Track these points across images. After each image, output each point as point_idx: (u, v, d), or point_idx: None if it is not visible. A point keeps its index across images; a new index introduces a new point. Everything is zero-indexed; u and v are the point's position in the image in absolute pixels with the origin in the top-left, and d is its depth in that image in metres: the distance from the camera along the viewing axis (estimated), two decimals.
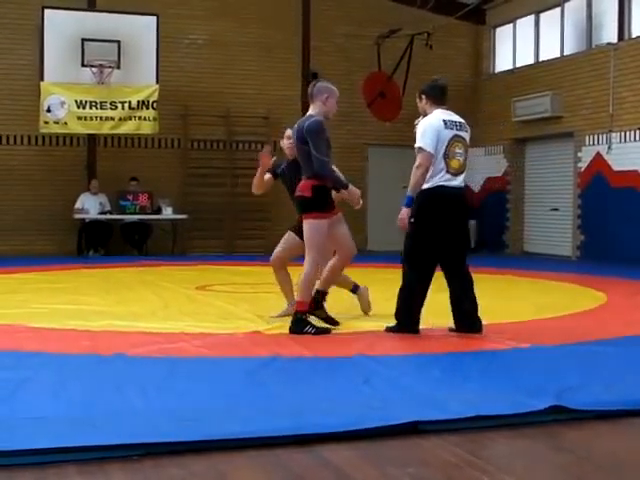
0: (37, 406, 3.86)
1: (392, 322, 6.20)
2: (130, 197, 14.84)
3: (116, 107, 14.26)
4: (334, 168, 6.21)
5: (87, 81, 14.11)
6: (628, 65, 13.81)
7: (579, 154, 14.90)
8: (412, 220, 6.07)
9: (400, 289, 6.20)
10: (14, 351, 5.31)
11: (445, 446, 3.45)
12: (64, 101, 14.01)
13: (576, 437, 3.66)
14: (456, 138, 6.09)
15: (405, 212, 5.97)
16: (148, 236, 15.11)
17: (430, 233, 6.05)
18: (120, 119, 14.36)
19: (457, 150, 6.09)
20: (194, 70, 15.85)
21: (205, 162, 15.99)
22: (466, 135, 6.20)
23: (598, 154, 14.40)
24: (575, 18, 15.47)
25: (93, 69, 14.08)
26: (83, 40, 14.09)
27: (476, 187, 17.58)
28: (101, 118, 14.28)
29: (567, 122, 15.13)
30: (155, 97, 14.39)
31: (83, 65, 14.10)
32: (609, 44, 14.21)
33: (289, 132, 6.75)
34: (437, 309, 6.38)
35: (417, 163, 6.00)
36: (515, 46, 17.11)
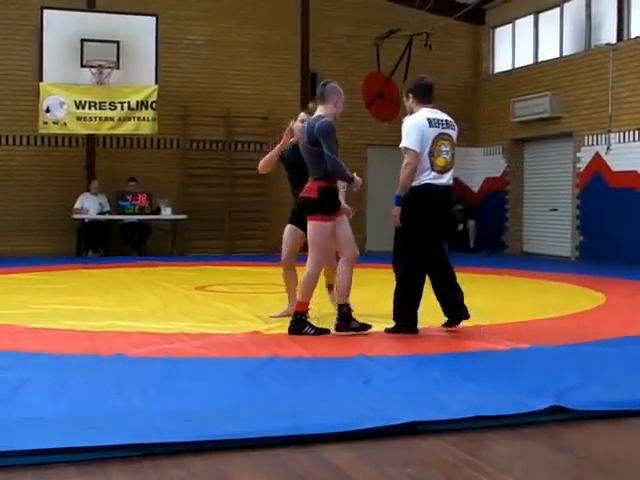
0: (37, 406, 3.86)
1: (391, 323, 6.22)
2: (129, 197, 14.84)
3: (115, 107, 14.26)
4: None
5: (86, 81, 14.10)
6: (627, 65, 13.82)
7: (578, 154, 14.90)
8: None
9: (395, 290, 6.22)
10: (14, 351, 5.31)
11: (445, 446, 3.45)
12: (63, 101, 14.01)
13: (575, 437, 3.66)
14: (442, 136, 6.14)
15: (397, 210, 6.06)
16: (147, 236, 15.10)
17: (419, 231, 6.10)
18: (119, 119, 14.35)
19: (443, 148, 6.14)
20: (193, 70, 15.85)
21: (204, 162, 15.98)
22: (453, 133, 6.24)
23: (597, 154, 14.40)
24: (574, 18, 15.47)
25: (92, 69, 14.08)
26: (82, 40, 14.08)
27: (475, 187, 17.60)
28: (100, 118, 14.27)
29: (566, 122, 15.14)
30: (154, 97, 14.39)
31: (82, 65, 14.10)
32: (608, 44, 14.21)
33: (303, 115, 6.77)
34: (431, 308, 6.40)
35: (405, 162, 6.07)
36: (514, 46, 17.11)
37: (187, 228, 15.54)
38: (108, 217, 14.77)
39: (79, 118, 14.16)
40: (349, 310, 6.09)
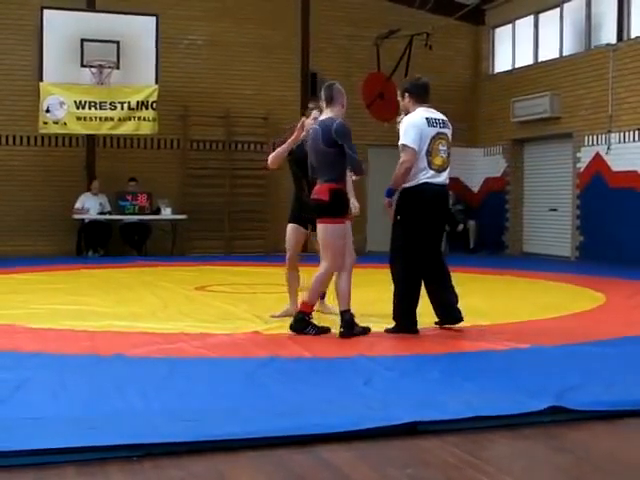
0: (36, 406, 3.86)
1: (391, 323, 6.22)
2: (129, 197, 14.83)
3: (115, 107, 14.25)
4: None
5: (86, 81, 14.09)
6: (627, 66, 13.82)
7: (578, 155, 14.90)
8: (399, 218, 6.14)
9: (395, 291, 6.22)
10: (13, 351, 5.31)
11: (444, 447, 3.45)
12: (63, 101, 14.00)
13: (575, 437, 3.66)
14: (439, 135, 6.21)
15: (387, 202, 6.16)
16: (147, 236, 15.10)
17: (418, 230, 6.11)
18: (119, 119, 14.35)
19: (440, 147, 6.20)
20: (193, 71, 15.84)
21: (204, 163, 15.98)
22: (448, 132, 6.32)
23: (597, 155, 14.40)
24: (574, 19, 15.47)
25: (92, 69, 14.07)
26: (82, 40, 14.07)
27: (475, 187, 17.60)
28: (100, 118, 14.26)
29: (566, 123, 15.14)
30: (154, 97, 14.38)
31: (82, 65, 14.09)
32: (608, 45, 14.21)
33: (316, 113, 6.76)
34: (430, 308, 6.41)
35: (401, 159, 6.11)
36: (514, 47, 17.10)
37: (187, 228, 15.54)
38: (108, 217, 14.77)
39: (79, 118, 14.16)
40: (352, 316, 6.09)
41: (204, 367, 4.94)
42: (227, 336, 5.98)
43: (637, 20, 13.97)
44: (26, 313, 7.05)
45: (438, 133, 6.18)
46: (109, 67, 14.10)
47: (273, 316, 6.91)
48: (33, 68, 14.35)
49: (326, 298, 7.29)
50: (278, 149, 7.04)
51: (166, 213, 15.04)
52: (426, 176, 6.11)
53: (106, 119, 14.28)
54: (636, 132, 13.57)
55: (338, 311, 6.22)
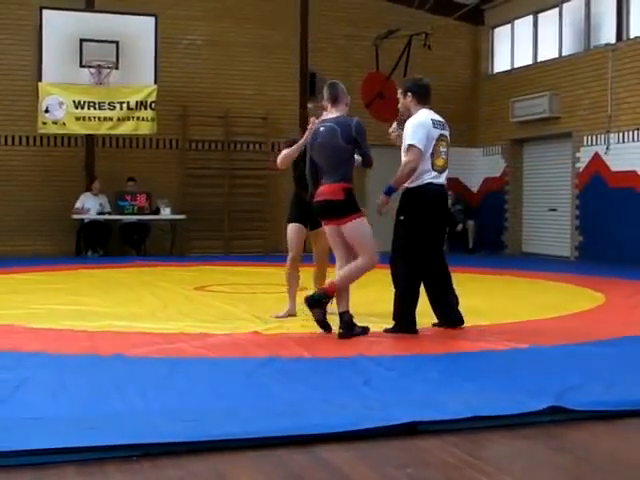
0: (36, 406, 3.86)
1: (391, 323, 6.22)
2: (128, 198, 14.83)
3: (114, 107, 14.25)
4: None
5: (85, 81, 14.09)
6: (626, 66, 13.82)
7: (577, 154, 14.91)
8: (402, 218, 6.14)
9: (396, 291, 6.22)
10: (13, 351, 5.30)
11: (444, 447, 3.45)
12: (62, 101, 14.00)
13: (575, 437, 3.66)
14: (441, 137, 6.26)
15: (385, 199, 6.12)
16: (147, 236, 15.10)
17: (421, 230, 6.12)
18: (118, 119, 14.34)
19: (442, 149, 6.26)
20: (193, 71, 15.84)
21: (203, 162, 15.98)
22: (448, 134, 6.38)
23: (596, 154, 14.41)
24: (573, 19, 15.48)
25: (91, 69, 14.07)
26: (81, 40, 14.07)
27: (474, 187, 17.60)
28: (99, 118, 14.26)
29: (565, 122, 15.15)
30: (153, 97, 14.38)
31: (81, 65, 14.08)
32: (607, 45, 14.21)
33: (319, 113, 6.77)
34: (430, 309, 6.41)
35: (407, 159, 6.11)
36: (513, 46, 17.11)
37: (186, 228, 15.53)
38: (107, 217, 14.76)
39: (78, 118, 14.15)
40: (351, 317, 6.08)
41: (204, 367, 4.94)
42: (227, 336, 5.97)
43: (636, 20, 13.98)
44: (26, 313, 7.05)
45: (440, 135, 6.23)
46: (108, 67, 14.10)
47: (277, 316, 6.90)
48: (32, 68, 14.35)
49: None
50: (288, 150, 6.93)
51: (165, 213, 15.04)
52: (430, 177, 6.15)
53: (105, 119, 14.28)
54: (635, 132, 13.58)
55: (336, 311, 6.21)
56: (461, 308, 6.38)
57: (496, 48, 17.74)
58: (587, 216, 14.68)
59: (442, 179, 6.27)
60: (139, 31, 14.36)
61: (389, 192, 6.14)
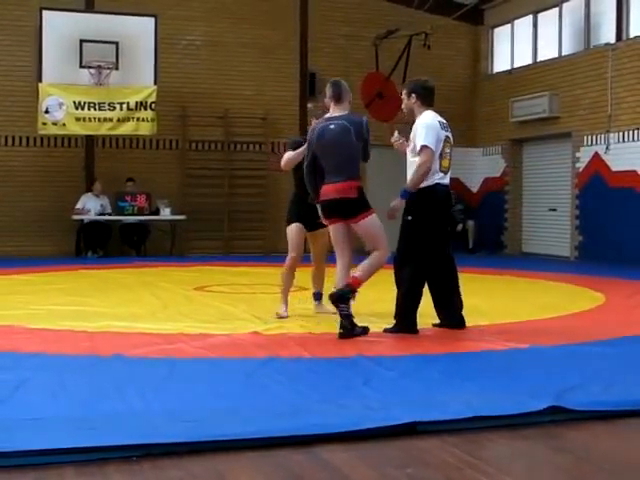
0: (36, 407, 3.86)
1: (391, 323, 6.22)
2: (129, 198, 14.82)
3: (114, 108, 14.25)
4: None
5: (85, 82, 14.09)
6: (626, 65, 13.82)
7: (577, 154, 14.90)
8: (410, 218, 6.13)
9: (400, 290, 6.22)
10: (13, 352, 5.30)
11: (444, 447, 3.45)
12: (62, 102, 14.00)
13: (575, 438, 3.66)
14: (447, 139, 6.30)
15: (400, 203, 6.09)
16: (146, 237, 15.10)
17: (430, 231, 6.11)
18: (118, 120, 14.34)
19: (447, 150, 6.31)
20: (192, 71, 15.84)
21: (203, 163, 15.97)
22: (451, 135, 6.40)
23: (596, 154, 14.40)
24: (573, 18, 15.48)
25: (91, 70, 14.07)
26: (81, 41, 14.07)
27: (474, 187, 17.59)
28: (99, 119, 14.26)
29: (565, 122, 15.14)
30: (153, 98, 14.38)
31: (81, 66, 14.08)
32: (607, 44, 14.21)
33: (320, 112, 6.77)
34: (430, 309, 6.41)
35: (422, 160, 6.08)
36: (513, 46, 17.11)
37: (186, 229, 15.53)
38: (107, 218, 14.75)
39: (78, 119, 14.15)
40: (351, 317, 6.07)
41: (204, 367, 4.94)
42: (226, 336, 5.97)
43: (636, 20, 13.98)
44: (26, 314, 7.05)
45: (446, 136, 6.28)
46: (108, 68, 14.10)
47: (280, 316, 6.88)
48: (32, 69, 14.35)
49: (323, 299, 7.29)
50: (293, 153, 6.87)
51: (165, 213, 15.03)
52: (438, 177, 6.19)
53: (105, 120, 14.28)
54: (635, 132, 13.58)
55: (335, 311, 6.21)
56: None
57: (496, 48, 17.74)
58: (587, 216, 14.68)
59: (447, 180, 6.32)
60: (139, 32, 14.36)
61: (405, 195, 6.11)
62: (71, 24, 14.09)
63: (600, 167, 14.32)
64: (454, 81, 17.36)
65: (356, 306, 6.26)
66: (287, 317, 6.90)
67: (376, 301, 7.41)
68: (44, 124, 14.03)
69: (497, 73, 17.51)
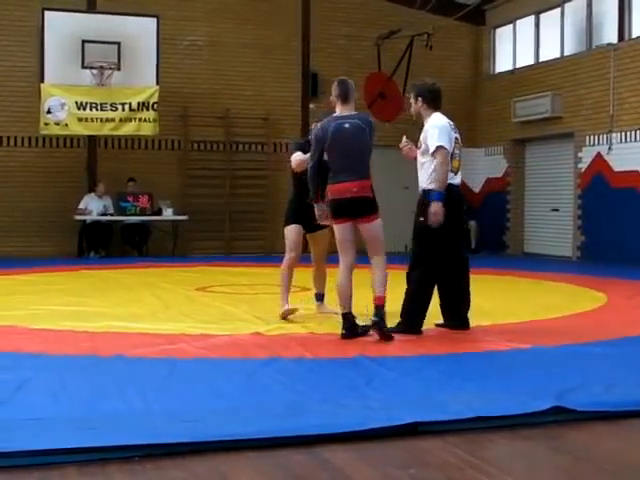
0: (37, 407, 3.86)
1: (393, 323, 6.21)
2: (131, 199, 14.83)
3: (116, 108, 14.26)
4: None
5: (87, 83, 14.10)
6: (628, 66, 13.81)
7: (579, 154, 14.89)
8: (422, 219, 6.11)
9: (411, 291, 6.20)
10: (14, 352, 5.30)
11: (445, 447, 3.45)
12: (64, 102, 14.01)
13: (576, 438, 3.65)
14: (456, 140, 6.33)
15: (438, 206, 5.98)
16: (148, 237, 15.11)
17: (444, 231, 6.08)
18: (120, 120, 14.35)
19: (456, 151, 6.33)
20: (194, 71, 15.84)
21: (205, 163, 15.98)
22: (459, 137, 6.42)
23: (598, 154, 14.39)
24: (575, 18, 15.47)
25: (93, 71, 14.08)
26: (83, 42, 14.08)
27: (476, 188, 17.58)
28: (101, 119, 14.27)
29: (567, 122, 15.13)
30: (155, 98, 14.38)
31: (83, 67, 14.10)
32: (609, 45, 14.21)
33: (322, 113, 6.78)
34: (431, 309, 6.38)
35: (440, 160, 6.07)
36: (515, 47, 17.10)
37: (188, 229, 15.54)
38: (109, 218, 14.76)
39: (80, 119, 14.16)
40: (353, 318, 6.06)
41: (205, 368, 4.93)
42: (228, 337, 5.97)
43: (638, 20, 13.96)
44: (27, 314, 7.05)
45: (456, 138, 6.30)
46: (110, 68, 14.11)
47: (285, 316, 6.85)
48: (34, 69, 14.36)
49: (325, 299, 7.29)
50: (304, 156, 6.77)
51: (167, 214, 15.04)
52: (450, 178, 6.18)
53: (107, 120, 14.29)
54: (637, 132, 13.56)
55: (337, 311, 6.19)
56: None
57: (498, 48, 17.73)
58: (589, 216, 14.67)
59: (458, 180, 6.34)
60: (140, 32, 14.37)
61: (440, 198, 6.02)
62: (73, 24, 14.10)
63: (602, 167, 14.31)
64: (456, 81, 17.35)
65: (357, 306, 6.25)
66: (295, 308, 6.84)
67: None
68: (46, 124, 14.04)
69: (499, 73, 17.50)
